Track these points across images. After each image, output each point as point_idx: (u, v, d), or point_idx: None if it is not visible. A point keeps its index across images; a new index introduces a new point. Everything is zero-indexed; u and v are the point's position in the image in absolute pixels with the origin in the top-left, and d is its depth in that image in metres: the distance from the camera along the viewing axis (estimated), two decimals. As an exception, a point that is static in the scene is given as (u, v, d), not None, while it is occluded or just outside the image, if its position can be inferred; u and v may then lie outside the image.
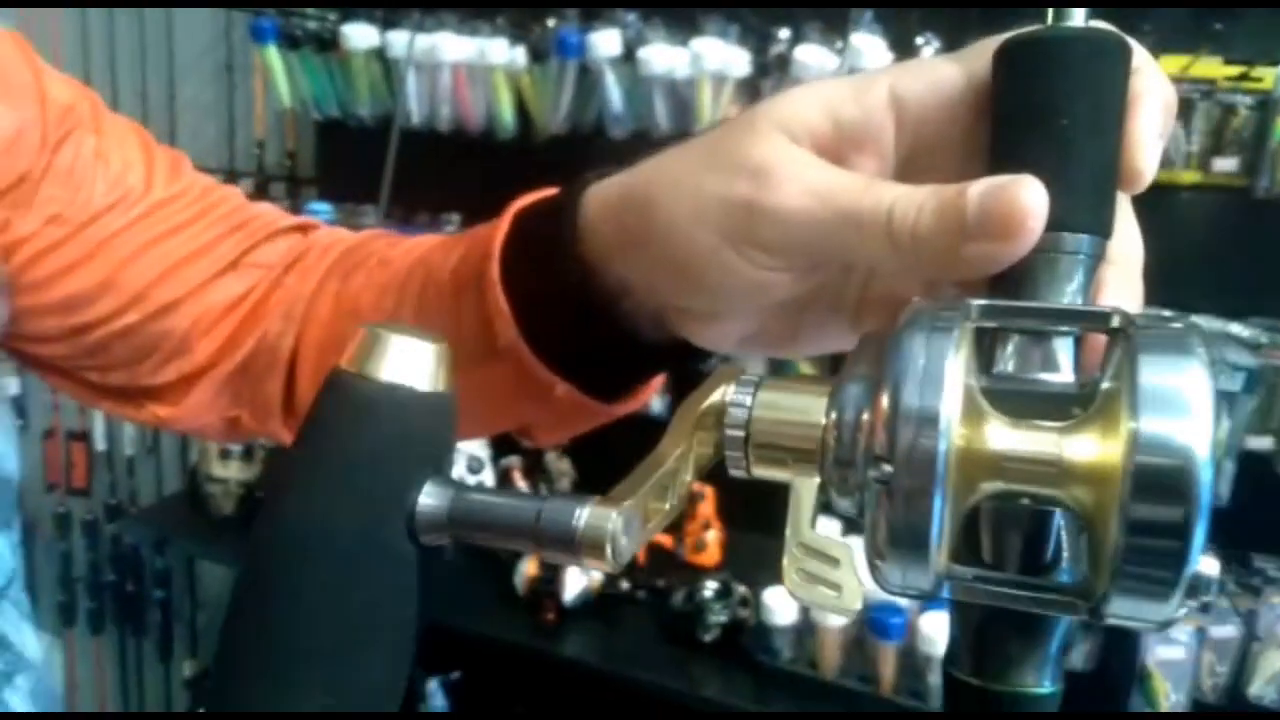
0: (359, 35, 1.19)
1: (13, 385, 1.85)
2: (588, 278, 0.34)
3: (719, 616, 1.03)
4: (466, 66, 1.16)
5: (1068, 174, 0.24)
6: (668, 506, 0.25)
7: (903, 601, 0.98)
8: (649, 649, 1.05)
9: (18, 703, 0.45)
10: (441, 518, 0.23)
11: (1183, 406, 0.19)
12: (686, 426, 0.25)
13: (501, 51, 1.13)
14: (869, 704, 0.97)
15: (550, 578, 1.07)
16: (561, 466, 1.32)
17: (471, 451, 1.33)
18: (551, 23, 1.12)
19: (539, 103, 1.15)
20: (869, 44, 0.98)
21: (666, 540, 1.18)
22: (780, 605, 0.99)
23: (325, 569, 0.22)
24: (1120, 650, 1.05)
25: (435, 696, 1.39)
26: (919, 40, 1.01)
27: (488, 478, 1.28)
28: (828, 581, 0.23)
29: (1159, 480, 0.19)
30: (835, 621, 0.97)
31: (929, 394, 0.20)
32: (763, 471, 0.24)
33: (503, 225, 0.35)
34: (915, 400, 0.20)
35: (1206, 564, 0.19)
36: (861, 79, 0.28)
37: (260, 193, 1.53)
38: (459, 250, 0.38)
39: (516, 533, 0.23)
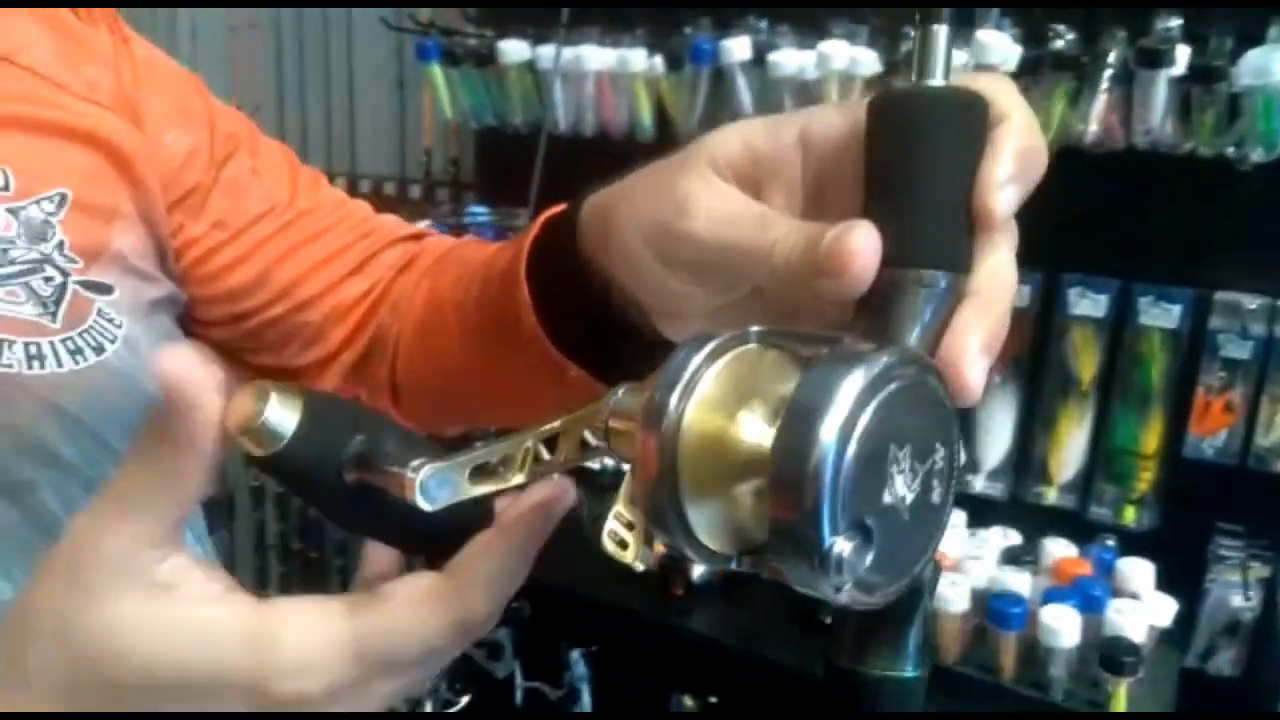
0: (512, 50, 1.29)
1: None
2: (585, 275, 0.40)
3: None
4: (609, 75, 1.23)
5: (915, 217, 0.27)
6: (513, 477, 0.29)
7: (1023, 590, 0.99)
8: (774, 628, 1.09)
9: None
10: None
11: (809, 417, 0.22)
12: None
13: (641, 60, 1.20)
14: (988, 692, 0.98)
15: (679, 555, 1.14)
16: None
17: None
18: (688, 31, 1.18)
19: (676, 107, 1.21)
20: (996, 39, 0.99)
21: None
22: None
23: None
24: (1269, 656, 1.02)
25: (578, 665, 1.48)
26: (1051, 33, 1.01)
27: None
28: (624, 543, 0.27)
29: (782, 474, 0.23)
30: (955, 608, 0.99)
31: (665, 393, 0.24)
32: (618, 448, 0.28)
33: (534, 229, 0.42)
34: (658, 397, 0.25)
35: (841, 544, 0.22)
36: (781, 119, 0.32)
37: (427, 197, 1.67)
38: (509, 252, 0.46)
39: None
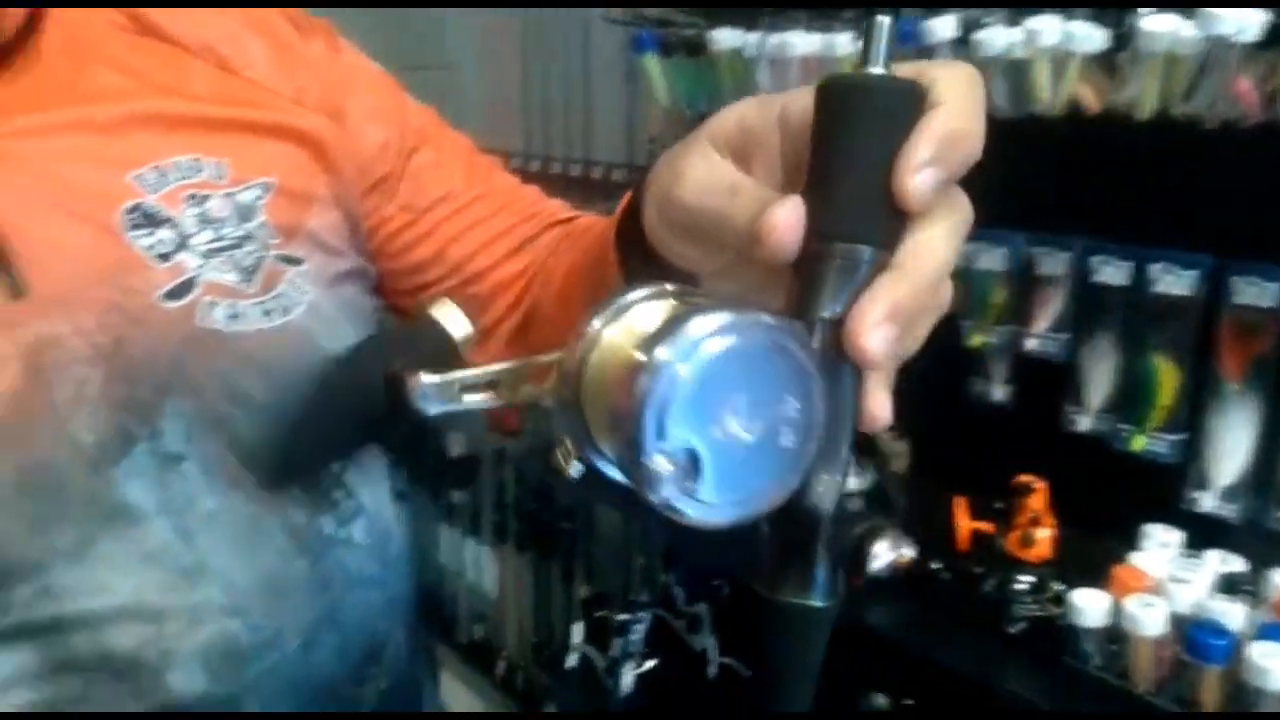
0: (723, 38, 1.31)
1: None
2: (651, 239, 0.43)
3: (1028, 610, 1.01)
4: (816, 59, 1.23)
5: (840, 195, 0.29)
6: (499, 398, 0.35)
7: (1234, 622, 0.89)
8: (952, 631, 1.06)
9: (359, 536, 0.63)
10: None
11: (645, 349, 0.27)
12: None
13: (846, 44, 1.19)
14: (1183, 728, 0.89)
15: (858, 545, 1.12)
16: (896, 448, 1.35)
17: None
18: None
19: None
20: (1232, 13, 0.88)
21: (988, 527, 1.16)
22: (1091, 607, 0.94)
23: None
24: None
25: (767, 649, 1.50)
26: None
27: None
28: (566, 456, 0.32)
29: (620, 394, 0.27)
30: (1149, 631, 0.91)
31: (584, 324, 0.29)
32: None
33: (627, 196, 0.45)
34: (579, 327, 0.29)
35: (659, 462, 0.26)
36: (771, 97, 0.33)
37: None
38: (612, 218, 0.50)
39: None
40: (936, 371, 1.27)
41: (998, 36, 1.03)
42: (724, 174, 0.34)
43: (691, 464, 0.27)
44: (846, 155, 0.29)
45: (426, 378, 0.33)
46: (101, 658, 0.52)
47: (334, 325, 0.59)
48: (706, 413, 0.27)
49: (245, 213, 0.57)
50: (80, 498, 0.51)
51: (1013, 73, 1.04)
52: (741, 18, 1.30)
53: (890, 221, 0.29)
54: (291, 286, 0.58)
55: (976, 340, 1.22)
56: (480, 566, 2.45)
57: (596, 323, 0.30)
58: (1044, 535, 1.14)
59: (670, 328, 0.27)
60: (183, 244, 0.54)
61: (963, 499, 1.21)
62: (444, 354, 0.38)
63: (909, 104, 0.29)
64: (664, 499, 0.27)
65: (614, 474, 0.30)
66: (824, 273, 0.29)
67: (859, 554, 1.16)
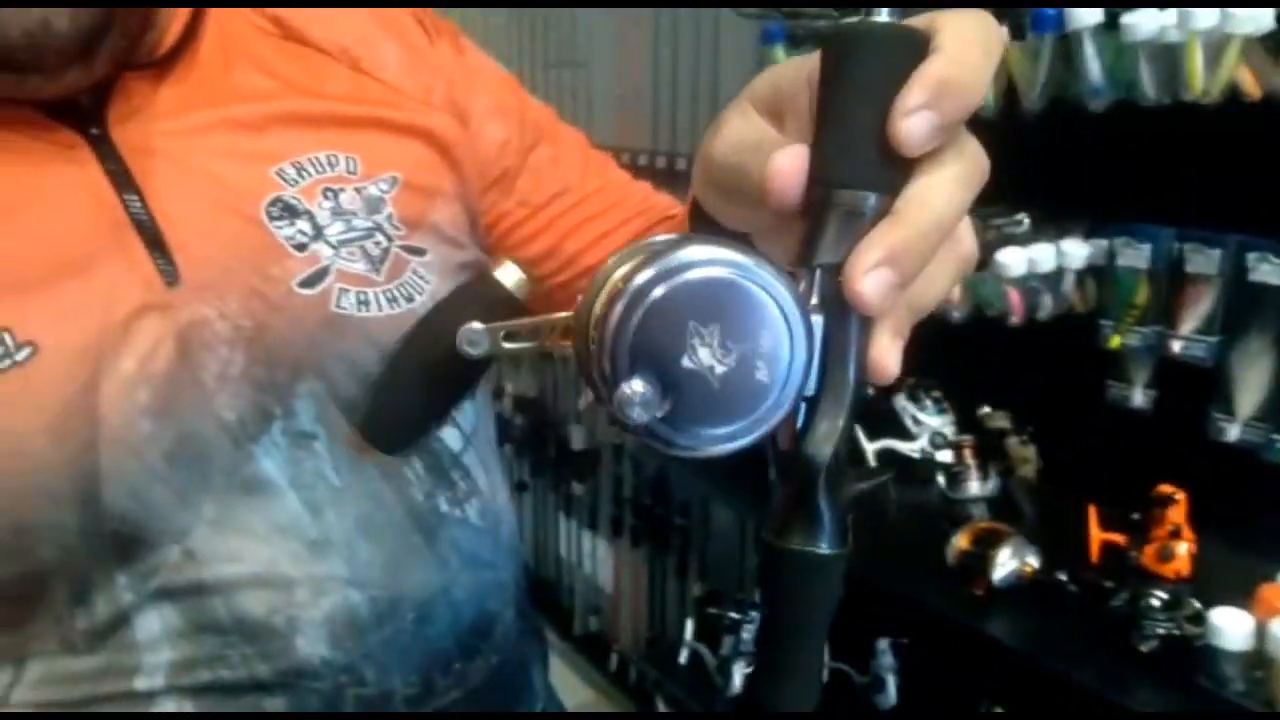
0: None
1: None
2: None
3: (1162, 627, 0.95)
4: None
5: (841, 141, 0.29)
6: (538, 345, 0.37)
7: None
8: (1077, 646, 1.00)
9: (473, 516, 0.65)
10: None
11: (622, 282, 0.29)
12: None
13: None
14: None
15: (980, 554, 1.08)
16: (1024, 453, 1.29)
17: (936, 428, 1.36)
18: None
19: (1022, 79, 1.14)
20: None
21: (1120, 539, 1.10)
22: (1232, 628, 0.88)
23: None
24: None
25: (885, 655, 1.46)
26: None
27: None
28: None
29: (596, 326, 0.30)
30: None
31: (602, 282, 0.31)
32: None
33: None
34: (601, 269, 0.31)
35: (631, 387, 0.28)
36: (806, 57, 0.32)
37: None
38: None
39: None
40: (1071, 374, 1.23)
41: (1148, 19, 0.97)
42: (753, 129, 0.34)
43: (664, 391, 0.28)
44: (846, 103, 0.29)
45: (471, 325, 0.36)
46: (236, 621, 0.55)
47: None
48: (678, 340, 0.28)
49: (373, 205, 0.60)
50: (222, 471, 0.54)
51: (1164, 57, 0.98)
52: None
53: (892, 168, 0.29)
54: (415, 275, 0.60)
55: (1115, 342, 1.16)
56: (597, 559, 2.49)
57: (610, 263, 0.31)
58: (1183, 550, 1.08)
59: (650, 260, 0.28)
60: (318, 234, 0.57)
61: (1095, 508, 1.14)
62: (506, 306, 0.40)
63: (908, 51, 0.29)
64: (638, 424, 0.28)
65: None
66: (826, 219, 0.29)
67: (982, 562, 1.11)
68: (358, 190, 0.59)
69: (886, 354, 0.30)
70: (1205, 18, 0.93)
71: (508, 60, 2.49)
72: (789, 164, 0.29)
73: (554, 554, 2.69)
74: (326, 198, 0.58)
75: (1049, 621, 1.04)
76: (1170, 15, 0.95)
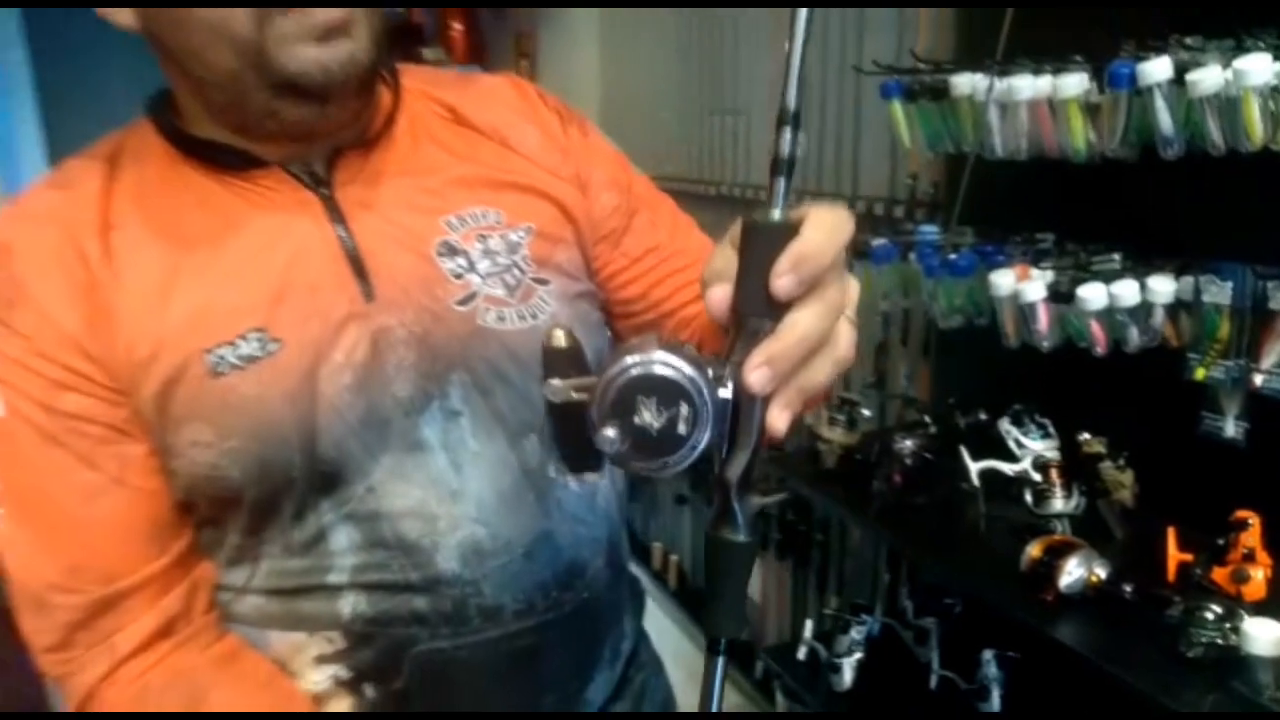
0: (961, 84, 1.42)
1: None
2: None
3: (1208, 636, 1.02)
4: (1045, 102, 1.30)
5: (747, 287, 0.47)
6: None
7: None
8: (1130, 650, 1.08)
9: (573, 483, 0.83)
10: None
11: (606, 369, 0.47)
12: None
13: (1067, 87, 1.25)
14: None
15: (1049, 562, 1.18)
16: (1120, 477, 1.36)
17: (1039, 451, 1.45)
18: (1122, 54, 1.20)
19: (1106, 129, 1.23)
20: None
21: (1187, 557, 1.17)
22: (1264, 634, 0.95)
23: None
24: None
25: (989, 666, 1.54)
26: None
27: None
28: None
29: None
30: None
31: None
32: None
33: None
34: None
35: (607, 430, 0.46)
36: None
37: (909, 216, 1.84)
38: None
39: None
40: (1169, 404, 1.29)
41: (1209, 76, 1.06)
42: (724, 260, 0.50)
43: (624, 435, 0.46)
44: (749, 264, 0.46)
45: (551, 382, 0.51)
46: (397, 539, 0.77)
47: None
48: (630, 406, 0.46)
49: (513, 248, 0.81)
50: (396, 433, 0.76)
51: (1229, 110, 1.07)
52: (977, 62, 1.40)
53: (776, 306, 0.46)
54: (540, 300, 0.81)
55: (1200, 374, 1.22)
56: (745, 569, 2.64)
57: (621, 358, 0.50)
58: (1260, 575, 1.13)
59: (620, 358, 0.47)
60: (471, 268, 0.79)
61: (1174, 530, 1.21)
62: (571, 358, 0.54)
63: (784, 234, 0.45)
64: (609, 453, 0.46)
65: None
66: (739, 333, 0.47)
67: (1050, 571, 1.23)
68: (502, 236, 0.81)
69: (775, 420, 0.48)
70: (1260, 74, 1.01)
71: (677, 106, 2.73)
72: (718, 296, 0.48)
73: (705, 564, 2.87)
74: (479, 241, 0.79)
75: (1107, 628, 1.12)
76: (1229, 73, 1.04)
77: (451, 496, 0.76)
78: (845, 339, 0.50)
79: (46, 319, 0.69)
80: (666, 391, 0.46)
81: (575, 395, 0.51)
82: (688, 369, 0.46)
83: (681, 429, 0.46)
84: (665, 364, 0.46)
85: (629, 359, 0.46)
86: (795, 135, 0.46)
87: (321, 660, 0.78)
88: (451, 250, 0.78)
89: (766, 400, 0.47)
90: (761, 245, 0.46)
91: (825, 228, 0.46)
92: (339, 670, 0.78)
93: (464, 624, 0.78)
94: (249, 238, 0.73)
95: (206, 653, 0.77)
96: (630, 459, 0.46)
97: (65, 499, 0.71)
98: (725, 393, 0.46)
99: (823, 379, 0.49)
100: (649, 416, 0.46)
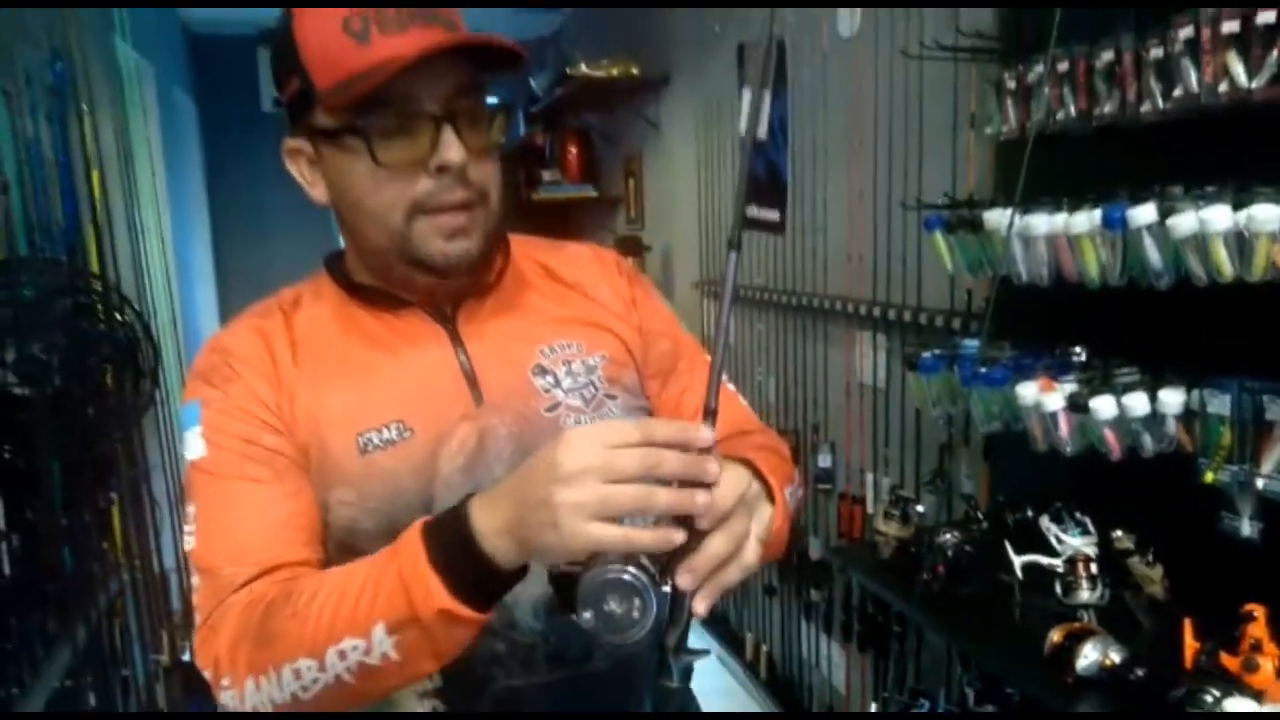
0: (992, 219, 1.62)
1: (825, 459, 2.69)
2: None
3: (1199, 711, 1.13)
4: (1061, 236, 1.48)
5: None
6: None
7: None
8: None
9: None
10: None
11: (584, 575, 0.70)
12: None
13: (1084, 224, 1.44)
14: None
15: (1069, 646, 1.31)
16: (1149, 572, 1.48)
17: (1078, 546, 1.58)
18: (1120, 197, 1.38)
19: (1107, 262, 1.41)
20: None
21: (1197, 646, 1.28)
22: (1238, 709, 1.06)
23: None
24: None
25: (1041, 751, 1.64)
26: None
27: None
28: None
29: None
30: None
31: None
32: None
33: None
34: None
35: (586, 615, 0.69)
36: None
37: (964, 328, 2.01)
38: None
39: None
40: (1193, 505, 1.42)
41: (1185, 221, 1.23)
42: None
43: (596, 617, 0.68)
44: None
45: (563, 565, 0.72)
46: None
47: None
48: (600, 598, 0.67)
49: (590, 371, 1.04)
50: None
51: (1200, 249, 1.23)
52: (1006, 200, 1.59)
53: (700, 536, 0.69)
54: (609, 410, 1.04)
55: (1209, 477, 1.35)
56: (832, 662, 2.75)
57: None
58: (1269, 666, 1.23)
59: (594, 564, 0.68)
60: (557, 384, 1.02)
61: (1190, 620, 1.32)
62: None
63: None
64: (589, 629, 0.67)
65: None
66: (680, 546, 0.68)
67: (1069, 654, 1.40)
68: (582, 361, 1.04)
69: (698, 606, 0.69)
70: (1220, 222, 1.18)
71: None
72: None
73: (797, 655, 2.98)
74: (564, 365, 1.02)
75: (1118, 706, 1.24)
76: (1191, 219, 1.21)
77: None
78: (751, 553, 0.72)
79: (253, 391, 0.92)
80: (625, 590, 0.67)
81: (565, 568, 0.72)
82: (641, 577, 0.67)
83: (635, 614, 0.67)
84: (625, 571, 0.67)
85: (600, 568, 0.67)
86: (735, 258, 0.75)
87: (423, 695, 1.00)
88: (542, 370, 1.01)
89: (693, 593, 0.69)
90: None
91: (730, 485, 0.70)
92: (437, 704, 1.00)
93: (534, 666, 0.96)
94: (393, 356, 0.96)
95: None
96: (601, 633, 0.67)
97: (250, 504, 0.89)
98: (665, 588, 0.68)
99: (734, 580, 0.70)
100: (614, 605, 0.68)
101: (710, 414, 0.70)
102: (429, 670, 0.78)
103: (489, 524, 0.73)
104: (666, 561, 0.68)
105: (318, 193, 0.95)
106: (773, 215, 2.92)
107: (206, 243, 5.13)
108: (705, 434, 0.69)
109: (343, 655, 0.76)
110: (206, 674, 0.84)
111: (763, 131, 2.91)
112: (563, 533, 0.68)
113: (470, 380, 0.97)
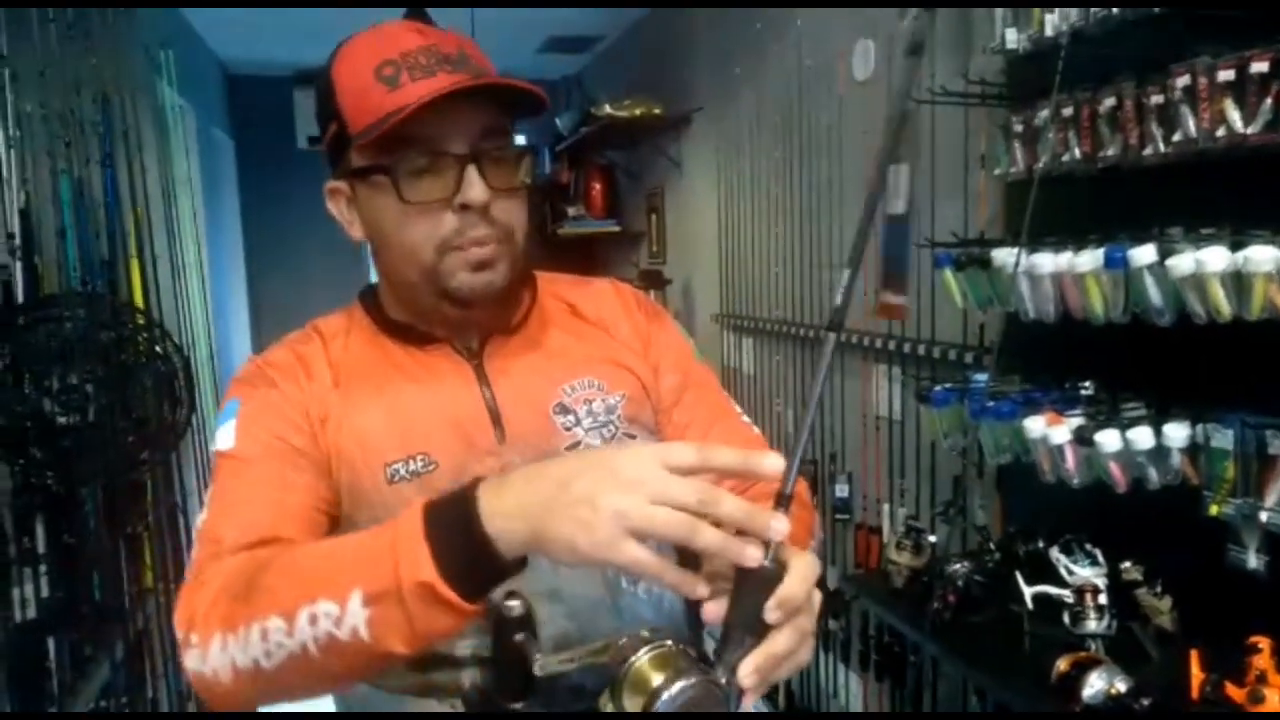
0: (1000, 256, 1.67)
1: (843, 489, 2.73)
2: None
3: (1205, 743, 1.16)
4: (1066, 274, 1.53)
5: (736, 609, 0.67)
6: None
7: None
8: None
9: (641, 592, 1.05)
10: None
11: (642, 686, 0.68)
12: None
13: (1088, 263, 1.48)
14: None
15: (1075, 675, 1.34)
16: (1157, 604, 1.50)
17: (1087, 577, 1.61)
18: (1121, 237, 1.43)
19: (1110, 299, 1.46)
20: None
21: (1202, 677, 1.30)
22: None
23: None
24: None
25: (1053, 780, 1.66)
26: None
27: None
28: None
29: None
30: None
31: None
32: None
33: None
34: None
35: None
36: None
37: (977, 362, 2.06)
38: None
39: None
40: (1203, 537, 1.45)
41: (1183, 262, 1.28)
42: (711, 566, 0.71)
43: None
44: (742, 595, 0.65)
45: (538, 658, 0.76)
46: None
47: None
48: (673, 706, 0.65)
49: (610, 410, 1.07)
50: None
51: (1197, 288, 1.28)
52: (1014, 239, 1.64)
53: (761, 625, 0.64)
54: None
55: (1214, 510, 1.39)
56: (849, 692, 2.76)
57: (638, 651, 0.69)
58: (1274, 697, 1.26)
59: (659, 687, 0.65)
60: (578, 423, 1.05)
61: (1197, 651, 1.35)
62: (527, 627, 0.77)
63: (771, 580, 0.64)
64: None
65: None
66: (727, 638, 0.65)
67: (1075, 683, 1.44)
68: (603, 400, 1.06)
69: (745, 701, 0.67)
70: (1218, 261, 1.23)
71: (782, 259, 3.05)
72: (713, 610, 0.68)
73: (815, 684, 3.00)
74: (585, 404, 1.05)
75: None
76: (1189, 260, 1.26)
77: (549, 596, 0.95)
78: (807, 650, 0.70)
79: (289, 397, 0.95)
80: (701, 693, 0.65)
81: (559, 666, 0.74)
82: (724, 689, 0.65)
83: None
84: (713, 686, 0.65)
85: (679, 685, 0.64)
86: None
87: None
88: (564, 409, 1.04)
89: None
90: (754, 583, 0.64)
91: (801, 577, 0.66)
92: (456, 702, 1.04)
93: (554, 698, 0.93)
94: (422, 389, 0.98)
95: None
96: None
97: (269, 485, 0.91)
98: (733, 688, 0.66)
99: (785, 675, 0.69)
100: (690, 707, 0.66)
101: (785, 500, 0.67)
102: (398, 654, 0.73)
103: (498, 505, 0.71)
104: (718, 653, 0.66)
105: (355, 231, 0.99)
106: (899, 300, 2.39)
107: (241, 277, 5.26)
108: (777, 525, 0.66)
109: (313, 620, 0.73)
110: (179, 633, 0.81)
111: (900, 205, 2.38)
112: (595, 536, 0.65)
113: (494, 417, 0.99)
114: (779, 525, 0.65)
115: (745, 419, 1.16)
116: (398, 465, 0.95)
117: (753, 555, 0.65)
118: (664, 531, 0.64)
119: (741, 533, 0.66)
